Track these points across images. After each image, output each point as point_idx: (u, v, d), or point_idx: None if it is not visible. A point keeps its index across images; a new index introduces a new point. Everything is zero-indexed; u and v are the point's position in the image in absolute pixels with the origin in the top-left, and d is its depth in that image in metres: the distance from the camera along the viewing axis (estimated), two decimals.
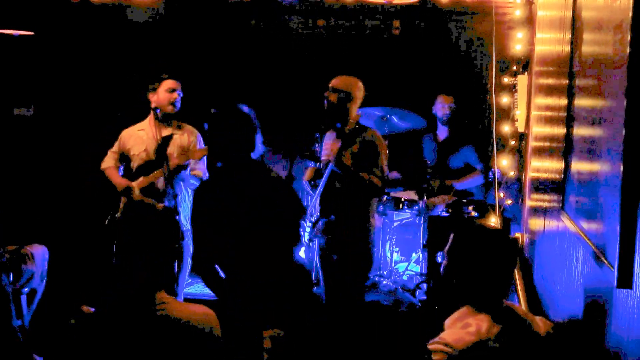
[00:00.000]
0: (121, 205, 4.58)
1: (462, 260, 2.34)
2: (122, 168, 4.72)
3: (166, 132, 4.56)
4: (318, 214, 4.48)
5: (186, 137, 4.64)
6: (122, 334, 2.28)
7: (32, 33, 6.21)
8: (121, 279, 2.38)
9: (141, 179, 4.51)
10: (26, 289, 4.31)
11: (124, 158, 4.69)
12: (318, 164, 4.64)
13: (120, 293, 2.36)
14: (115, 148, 4.75)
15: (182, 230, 2.43)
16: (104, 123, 5.45)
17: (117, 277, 2.43)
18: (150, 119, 4.65)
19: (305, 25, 6.72)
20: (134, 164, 4.59)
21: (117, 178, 4.63)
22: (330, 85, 4.48)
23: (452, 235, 2.41)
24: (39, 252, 4.45)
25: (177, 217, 2.46)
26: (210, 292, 5.27)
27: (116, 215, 4.55)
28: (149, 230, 2.36)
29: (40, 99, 6.53)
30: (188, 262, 4.64)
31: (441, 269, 2.45)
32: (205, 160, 4.64)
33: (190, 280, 5.26)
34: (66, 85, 6.47)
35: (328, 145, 4.57)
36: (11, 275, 4.07)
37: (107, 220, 4.54)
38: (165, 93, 4.57)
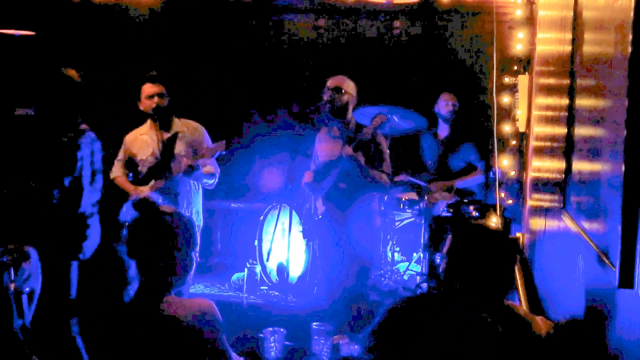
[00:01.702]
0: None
1: (461, 260, 2.34)
2: (130, 175, 4.69)
3: (167, 133, 4.55)
4: (320, 215, 4.49)
5: (193, 134, 4.62)
6: (130, 333, 2.30)
7: (33, 33, 6.21)
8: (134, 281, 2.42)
9: (152, 182, 4.49)
10: (28, 289, 4.31)
11: (130, 164, 4.66)
12: (315, 166, 4.64)
13: (134, 294, 2.39)
14: (120, 156, 4.73)
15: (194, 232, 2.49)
16: (105, 123, 5.44)
17: (128, 278, 2.52)
18: (149, 121, 4.64)
19: (306, 24, 6.73)
20: (143, 169, 4.57)
21: (128, 185, 4.60)
22: (332, 85, 4.48)
23: (449, 236, 2.41)
24: (33, 251, 4.45)
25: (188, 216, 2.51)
26: (213, 293, 5.28)
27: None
28: (165, 234, 2.38)
29: (42, 99, 6.52)
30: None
31: (440, 270, 2.45)
32: (217, 155, 4.63)
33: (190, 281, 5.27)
34: (67, 85, 6.46)
35: (326, 147, 4.58)
36: (12, 274, 4.07)
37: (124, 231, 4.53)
38: (145, 100, 4.55)
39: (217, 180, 4.67)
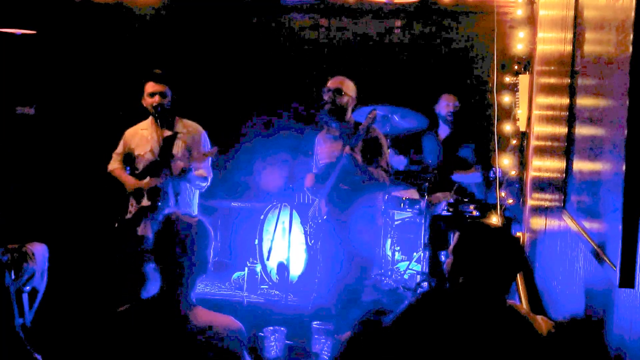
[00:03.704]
0: (130, 208, 4.57)
1: (468, 258, 2.35)
2: (128, 169, 4.70)
3: (168, 131, 4.55)
4: (325, 216, 4.49)
5: (191, 136, 4.63)
6: (147, 336, 2.29)
7: (34, 32, 6.21)
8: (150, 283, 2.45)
9: (147, 179, 4.50)
10: (28, 288, 4.33)
11: (128, 158, 4.67)
12: (316, 168, 4.64)
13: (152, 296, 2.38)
14: (119, 149, 4.74)
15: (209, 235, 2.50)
16: (106, 122, 5.45)
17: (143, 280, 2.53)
18: (151, 118, 4.65)
19: (307, 24, 6.73)
20: (140, 164, 4.57)
21: (126, 177, 4.61)
22: (332, 86, 4.48)
23: (456, 234, 2.42)
24: (40, 251, 4.46)
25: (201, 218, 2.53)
26: (213, 291, 5.29)
27: (126, 217, 4.54)
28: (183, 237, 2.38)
29: (42, 97, 6.53)
30: None
31: (444, 267, 2.46)
32: (210, 160, 4.64)
33: None
34: (68, 84, 6.47)
35: (326, 148, 4.58)
36: (13, 274, 4.08)
37: (116, 223, 4.54)
38: (147, 97, 4.56)
39: (209, 183, 4.69)
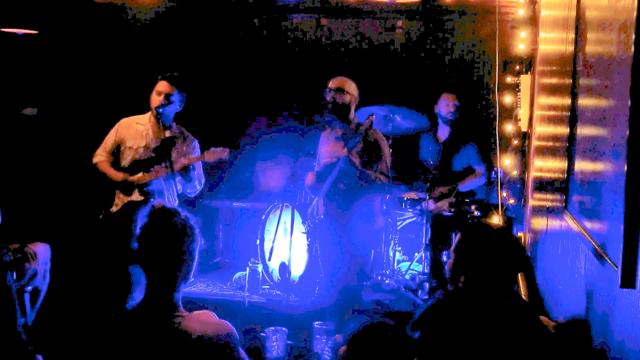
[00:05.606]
0: (116, 200, 4.56)
1: (469, 258, 2.35)
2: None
3: (167, 132, 4.55)
4: (322, 215, 4.50)
5: (185, 144, 4.64)
6: (140, 341, 2.17)
7: (36, 32, 6.22)
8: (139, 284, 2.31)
9: (140, 174, 4.49)
10: (29, 288, 4.32)
11: (116, 148, 4.64)
12: (318, 167, 4.65)
13: (143, 298, 2.27)
14: (110, 139, 4.64)
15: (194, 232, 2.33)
16: (107, 122, 5.44)
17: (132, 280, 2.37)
18: (150, 115, 4.63)
19: (308, 24, 6.73)
20: (128, 157, 4.55)
21: (113, 172, 4.56)
22: (335, 86, 4.48)
23: (458, 234, 2.43)
24: (42, 251, 4.46)
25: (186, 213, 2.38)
26: (214, 292, 5.28)
27: (110, 210, 4.53)
28: (170, 235, 2.24)
29: (44, 98, 6.54)
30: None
31: (446, 268, 2.46)
32: (200, 165, 4.65)
33: (193, 279, 5.27)
34: (70, 84, 6.48)
35: (328, 147, 4.59)
36: (15, 273, 4.08)
37: (101, 215, 4.53)
38: (154, 94, 4.56)
39: (199, 189, 4.70)
